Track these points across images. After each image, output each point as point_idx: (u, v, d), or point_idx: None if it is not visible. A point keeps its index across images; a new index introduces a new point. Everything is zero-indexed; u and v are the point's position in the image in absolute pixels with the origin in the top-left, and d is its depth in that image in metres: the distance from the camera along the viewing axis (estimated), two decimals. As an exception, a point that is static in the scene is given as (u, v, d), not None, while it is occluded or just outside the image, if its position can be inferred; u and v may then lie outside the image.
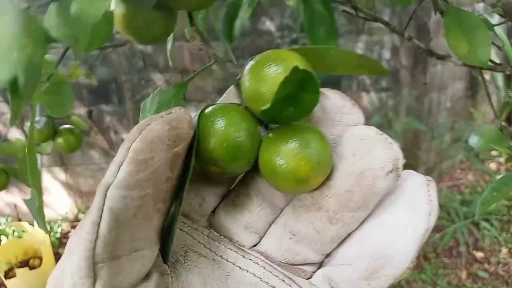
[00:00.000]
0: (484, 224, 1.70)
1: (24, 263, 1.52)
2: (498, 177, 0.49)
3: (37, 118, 0.56)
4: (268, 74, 0.19)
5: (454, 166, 2.18)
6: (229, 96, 0.23)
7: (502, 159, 2.06)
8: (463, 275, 1.55)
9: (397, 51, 1.65)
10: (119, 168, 0.15)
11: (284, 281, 0.20)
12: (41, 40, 0.17)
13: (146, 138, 0.15)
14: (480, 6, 1.68)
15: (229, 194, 0.22)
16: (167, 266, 0.20)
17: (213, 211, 0.22)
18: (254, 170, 0.21)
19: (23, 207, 1.78)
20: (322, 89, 0.21)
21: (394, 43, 1.62)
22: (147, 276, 0.18)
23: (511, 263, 1.59)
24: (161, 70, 1.51)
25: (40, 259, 1.49)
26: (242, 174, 0.22)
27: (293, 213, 0.20)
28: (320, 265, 0.21)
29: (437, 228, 1.75)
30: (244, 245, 0.22)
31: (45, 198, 1.76)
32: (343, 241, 0.20)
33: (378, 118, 1.70)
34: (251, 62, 0.21)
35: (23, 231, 1.56)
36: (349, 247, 0.20)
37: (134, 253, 0.17)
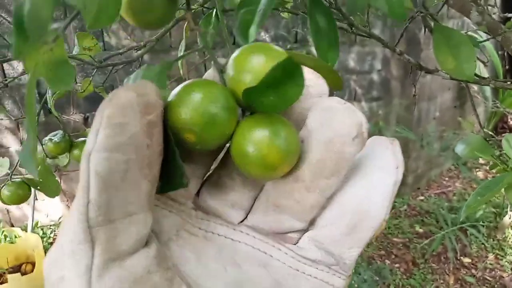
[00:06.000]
0: (471, 230, 1.74)
1: (16, 269, 1.50)
2: (484, 183, 0.52)
3: (53, 133, 0.59)
4: (252, 64, 0.20)
5: (443, 174, 2.23)
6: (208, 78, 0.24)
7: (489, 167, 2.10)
8: (451, 280, 1.58)
9: (388, 62, 1.69)
10: (97, 134, 0.16)
11: (274, 246, 0.22)
12: None
13: (117, 105, 0.16)
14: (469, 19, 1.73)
15: (210, 176, 0.23)
16: (159, 244, 0.21)
17: (197, 194, 0.23)
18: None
19: (16, 213, 1.78)
20: None
21: (385, 54, 1.66)
22: (147, 244, 0.18)
23: (497, 269, 1.63)
24: (157, 78, 1.53)
25: (32, 264, 1.46)
26: (221, 156, 0.23)
27: (273, 188, 0.22)
28: (306, 231, 0.23)
29: (425, 234, 1.78)
30: (232, 221, 0.23)
31: (39, 203, 1.75)
32: (323, 207, 0.21)
33: (369, 127, 1.74)
34: (236, 52, 0.21)
35: (15, 237, 1.55)
36: (329, 210, 0.21)
37: (128, 217, 0.17)
